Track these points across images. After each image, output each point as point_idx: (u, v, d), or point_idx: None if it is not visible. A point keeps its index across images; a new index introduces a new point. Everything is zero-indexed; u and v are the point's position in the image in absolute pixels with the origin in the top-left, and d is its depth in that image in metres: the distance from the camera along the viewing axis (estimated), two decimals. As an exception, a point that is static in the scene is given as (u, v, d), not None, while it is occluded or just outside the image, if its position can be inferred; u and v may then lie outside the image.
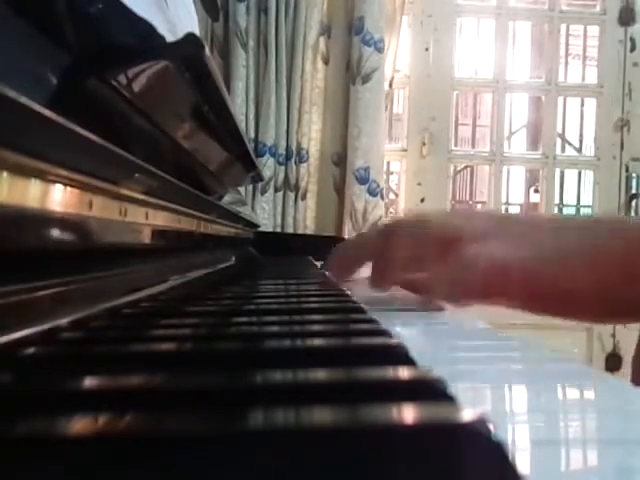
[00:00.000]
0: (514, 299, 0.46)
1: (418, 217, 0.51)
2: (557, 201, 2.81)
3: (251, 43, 1.84)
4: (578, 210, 4.30)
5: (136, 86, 0.42)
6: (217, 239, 0.72)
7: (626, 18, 2.12)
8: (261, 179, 1.72)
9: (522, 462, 0.15)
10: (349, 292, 0.49)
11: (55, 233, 0.27)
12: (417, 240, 0.48)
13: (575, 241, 0.45)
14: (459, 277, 0.44)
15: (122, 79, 0.40)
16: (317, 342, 0.28)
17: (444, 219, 0.49)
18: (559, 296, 0.45)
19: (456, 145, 2.45)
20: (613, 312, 0.48)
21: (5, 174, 0.21)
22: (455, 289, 0.44)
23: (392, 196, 2.58)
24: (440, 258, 0.45)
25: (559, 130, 2.76)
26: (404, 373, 0.20)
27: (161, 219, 0.44)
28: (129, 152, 0.32)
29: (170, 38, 0.43)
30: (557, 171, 2.30)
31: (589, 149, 2.65)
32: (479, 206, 4.83)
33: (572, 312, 0.49)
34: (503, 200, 2.78)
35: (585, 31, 3.66)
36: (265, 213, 1.84)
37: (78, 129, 0.25)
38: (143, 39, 0.39)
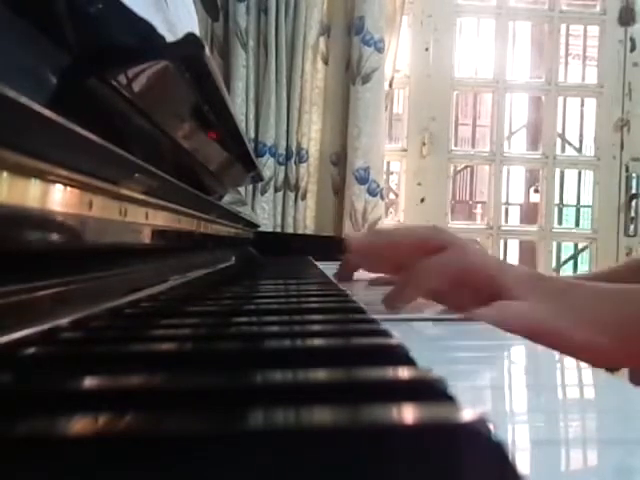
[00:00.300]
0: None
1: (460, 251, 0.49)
2: (557, 201, 2.80)
3: (251, 43, 1.84)
4: (578, 210, 4.30)
5: (136, 86, 0.42)
6: (217, 239, 0.72)
7: (626, 18, 2.12)
8: (261, 179, 1.72)
9: (522, 462, 0.15)
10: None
11: (55, 233, 0.27)
12: (457, 275, 0.48)
13: (608, 309, 0.45)
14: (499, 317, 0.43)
15: (122, 79, 0.40)
16: (317, 342, 0.28)
17: (479, 260, 0.49)
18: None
19: (456, 145, 2.45)
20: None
21: (5, 174, 0.21)
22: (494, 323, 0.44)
23: (392, 196, 2.58)
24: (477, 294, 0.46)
25: (559, 130, 2.77)
26: (404, 373, 0.20)
27: (161, 219, 0.44)
28: (129, 152, 0.32)
29: (170, 38, 0.43)
30: (557, 171, 2.30)
31: (589, 149, 2.65)
32: (479, 206, 4.83)
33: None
34: (503, 200, 2.78)
35: (585, 31, 3.66)
36: (265, 213, 1.84)
37: (78, 129, 0.25)
38: (143, 39, 0.39)
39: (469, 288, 0.47)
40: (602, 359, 0.43)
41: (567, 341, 0.43)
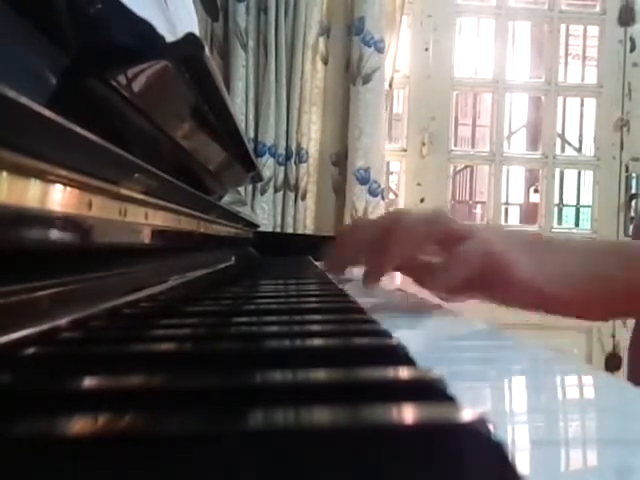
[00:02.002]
0: (510, 300, 0.47)
1: (422, 216, 0.50)
2: (557, 201, 2.80)
3: (251, 43, 1.84)
4: (578, 210, 4.30)
5: (136, 86, 0.42)
6: (217, 239, 0.72)
7: (626, 18, 2.12)
8: (261, 179, 1.72)
9: (522, 462, 0.15)
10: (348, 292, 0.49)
11: (55, 233, 0.27)
12: (425, 235, 0.48)
13: (577, 263, 0.46)
14: (461, 268, 0.44)
15: (122, 79, 0.40)
16: (317, 342, 0.28)
17: (451, 221, 0.49)
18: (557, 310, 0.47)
19: (456, 145, 2.45)
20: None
21: (5, 174, 0.21)
22: (455, 279, 0.44)
23: (392, 196, 2.58)
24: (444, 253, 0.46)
25: (559, 130, 2.76)
26: (404, 373, 0.20)
27: (161, 219, 0.44)
28: (129, 152, 0.32)
29: (170, 38, 0.43)
30: (557, 171, 2.30)
31: (589, 149, 2.65)
32: (479, 206, 4.83)
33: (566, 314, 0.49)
34: (503, 200, 2.78)
35: (585, 31, 3.66)
36: (265, 213, 1.84)
37: (78, 129, 0.25)
38: (143, 39, 0.39)
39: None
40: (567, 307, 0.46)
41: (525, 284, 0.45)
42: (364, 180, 1.87)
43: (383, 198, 1.91)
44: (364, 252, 0.50)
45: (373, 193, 1.87)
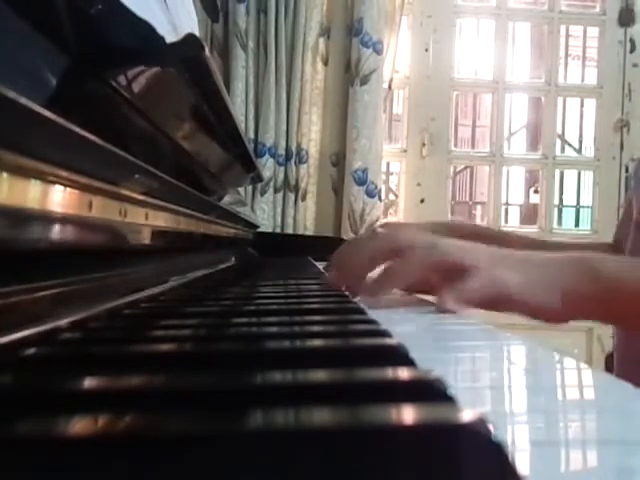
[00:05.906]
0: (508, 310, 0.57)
1: (427, 242, 0.58)
2: (557, 202, 2.80)
3: (251, 44, 1.84)
4: (578, 211, 4.30)
5: (136, 87, 0.42)
6: (217, 240, 0.72)
7: (626, 19, 2.12)
8: (261, 180, 1.72)
9: (522, 462, 0.15)
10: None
11: (55, 233, 0.27)
12: (430, 265, 0.55)
13: (551, 278, 0.58)
14: (470, 290, 0.53)
15: (122, 79, 0.40)
16: (317, 343, 0.28)
17: (450, 249, 0.56)
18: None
19: (456, 145, 2.45)
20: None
21: (5, 174, 0.21)
22: (466, 299, 0.53)
23: (392, 197, 2.58)
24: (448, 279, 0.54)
25: (559, 131, 2.76)
26: (404, 374, 0.20)
27: (161, 220, 0.44)
28: (129, 153, 0.32)
29: (170, 39, 0.43)
30: (557, 172, 2.30)
31: (589, 150, 2.65)
32: (479, 207, 4.83)
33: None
34: (503, 201, 2.78)
35: (585, 32, 3.66)
36: (265, 214, 1.84)
37: (78, 129, 0.25)
38: (143, 40, 0.39)
39: (441, 276, 0.55)
40: (552, 318, 0.58)
41: (524, 305, 0.55)
42: (361, 181, 1.87)
43: (380, 199, 1.91)
44: (363, 277, 0.58)
45: (370, 194, 1.87)
